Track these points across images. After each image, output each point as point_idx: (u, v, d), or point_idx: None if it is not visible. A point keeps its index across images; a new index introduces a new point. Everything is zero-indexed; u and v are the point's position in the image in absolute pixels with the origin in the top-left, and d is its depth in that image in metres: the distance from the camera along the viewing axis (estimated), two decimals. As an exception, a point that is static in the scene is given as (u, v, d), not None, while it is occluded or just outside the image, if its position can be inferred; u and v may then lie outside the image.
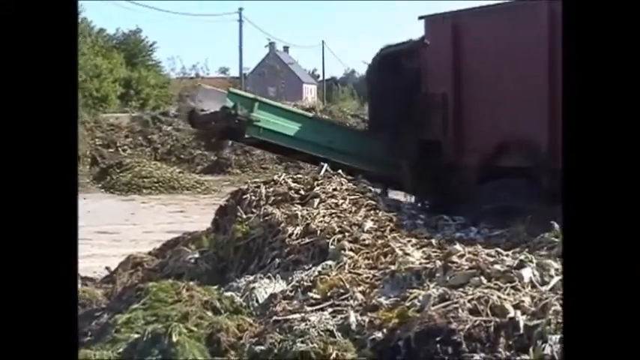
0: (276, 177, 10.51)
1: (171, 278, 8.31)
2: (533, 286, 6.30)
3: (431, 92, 11.74)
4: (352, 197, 9.61)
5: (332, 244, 8.10)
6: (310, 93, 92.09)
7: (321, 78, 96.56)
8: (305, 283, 7.28)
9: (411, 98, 11.89)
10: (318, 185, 9.86)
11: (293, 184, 10.01)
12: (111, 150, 34.10)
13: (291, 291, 7.23)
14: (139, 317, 6.82)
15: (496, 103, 10.81)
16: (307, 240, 8.39)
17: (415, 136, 11.84)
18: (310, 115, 15.13)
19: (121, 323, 6.80)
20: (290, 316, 6.48)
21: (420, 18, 11.98)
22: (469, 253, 7.11)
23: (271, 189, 9.93)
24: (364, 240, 8.17)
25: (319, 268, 7.62)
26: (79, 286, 9.61)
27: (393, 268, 7.25)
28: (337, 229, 8.42)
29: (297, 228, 8.64)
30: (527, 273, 6.44)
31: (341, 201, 9.46)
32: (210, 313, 6.85)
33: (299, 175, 10.64)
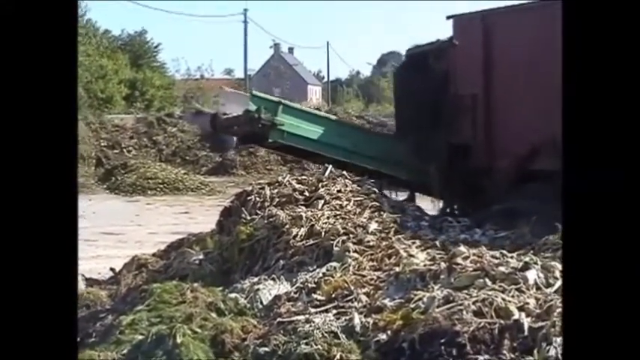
0: (280, 178, 10.49)
1: (176, 279, 8.31)
2: (538, 288, 6.29)
3: (460, 94, 11.49)
4: (356, 199, 9.60)
5: (336, 245, 8.10)
6: (315, 94, 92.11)
7: (325, 79, 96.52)
8: (309, 285, 7.28)
9: (439, 100, 11.62)
10: (322, 187, 9.84)
11: (297, 186, 9.99)
12: (116, 151, 34.18)
13: (295, 292, 7.23)
14: (143, 318, 6.83)
15: (529, 104, 10.48)
16: (311, 241, 8.39)
17: (444, 140, 11.54)
18: (334, 117, 14.78)
19: (125, 324, 6.80)
20: (294, 318, 6.48)
21: (449, 17, 11.74)
22: (473, 254, 7.09)
23: (275, 190, 9.92)
24: (368, 241, 8.17)
25: (323, 269, 7.61)
26: (84, 287, 9.63)
27: (397, 269, 7.25)
28: (341, 231, 8.42)
29: (302, 229, 8.64)
30: (531, 275, 6.43)
31: (345, 202, 9.45)
32: (214, 315, 6.85)
33: (303, 177, 10.61)
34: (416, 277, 6.93)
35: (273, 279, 7.70)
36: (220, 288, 7.78)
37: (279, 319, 6.55)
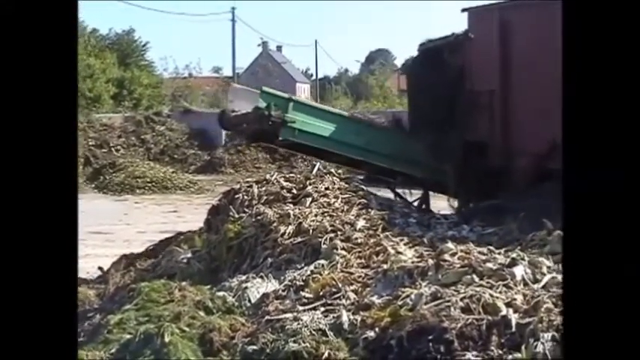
0: (268, 176, 10.48)
1: (164, 278, 8.32)
2: (526, 284, 6.30)
3: (476, 90, 11.15)
4: (344, 196, 9.60)
5: (324, 243, 8.10)
6: (303, 92, 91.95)
7: (314, 77, 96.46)
8: (297, 283, 7.28)
9: (454, 96, 11.31)
10: (310, 184, 9.85)
11: (285, 184, 9.99)
12: (104, 150, 34.09)
13: (283, 290, 7.22)
14: (131, 318, 6.82)
15: (548, 100, 9.56)
16: (299, 239, 8.39)
17: (459, 137, 11.20)
18: (347, 114, 14.26)
19: (113, 324, 6.79)
20: (282, 316, 6.48)
21: (464, 10, 11.42)
22: (461, 251, 7.10)
23: (263, 188, 9.92)
24: (356, 239, 8.17)
25: (311, 267, 7.61)
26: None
27: (385, 266, 7.25)
28: (329, 228, 8.42)
29: (290, 227, 8.64)
30: (519, 271, 6.44)
31: (333, 200, 9.45)
32: (202, 313, 6.85)
33: (291, 175, 10.60)
34: (404, 274, 6.93)
35: (261, 277, 7.70)
36: (208, 286, 7.79)
37: (267, 317, 6.55)
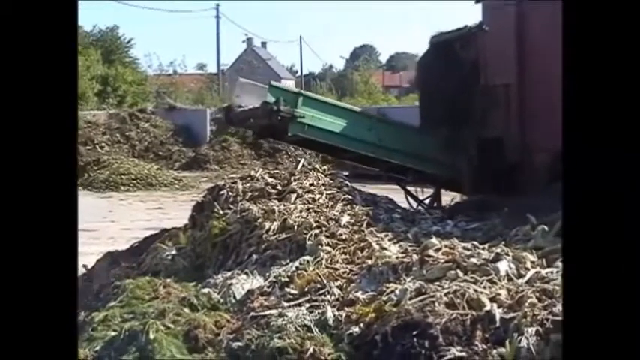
0: (252, 172, 10.46)
1: (149, 275, 8.29)
2: (510, 279, 6.32)
3: (491, 84, 10.88)
4: (329, 192, 9.59)
5: (309, 239, 8.10)
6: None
7: (299, 73, 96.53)
8: (282, 279, 7.28)
9: (468, 91, 11.00)
10: (294, 180, 9.84)
11: (270, 180, 9.98)
12: (88, 147, 34.03)
13: (268, 286, 7.22)
14: (116, 315, 6.81)
15: None
16: (284, 235, 8.39)
17: (473, 133, 10.93)
18: (358, 109, 13.66)
19: (97, 321, 6.78)
20: (267, 312, 6.49)
21: (478, 1, 11.15)
22: (445, 246, 7.12)
23: (248, 185, 9.90)
24: (341, 235, 8.18)
25: (296, 263, 7.61)
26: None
27: (369, 262, 7.27)
28: (314, 224, 8.42)
29: (274, 223, 8.63)
30: (503, 266, 6.46)
31: (318, 196, 9.45)
32: (187, 310, 6.84)
33: (276, 171, 10.58)
34: (388, 269, 6.94)
35: (246, 273, 7.69)
36: (193, 283, 7.78)
37: (252, 314, 6.55)
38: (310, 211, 8.96)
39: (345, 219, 8.68)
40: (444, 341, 5.39)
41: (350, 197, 9.57)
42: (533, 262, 6.64)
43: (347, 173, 12.43)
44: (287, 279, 7.25)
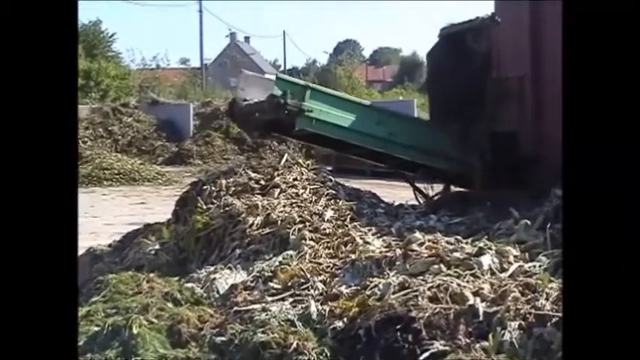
0: (235, 167, 10.44)
1: (132, 270, 8.27)
2: (493, 273, 6.34)
3: (504, 76, 10.67)
4: (313, 187, 9.58)
5: (292, 233, 8.11)
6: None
7: (282, 68, 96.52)
8: (266, 274, 7.28)
9: (480, 83, 10.55)
10: (278, 175, 9.82)
11: (253, 175, 9.96)
12: (71, 142, 33.84)
13: (251, 281, 7.22)
14: (98, 310, 6.78)
15: None
16: (268, 230, 8.39)
17: (485, 127, 10.54)
18: (368, 103, 13.01)
19: (80, 316, 6.74)
20: (251, 307, 6.49)
21: None
22: (429, 241, 7.13)
23: (231, 179, 9.88)
24: (325, 229, 8.19)
25: (280, 258, 7.61)
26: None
27: (353, 256, 7.28)
28: (298, 219, 8.43)
29: (258, 218, 8.63)
30: (486, 260, 6.48)
31: (301, 191, 9.44)
32: (170, 305, 6.83)
33: (259, 165, 10.54)
34: (372, 264, 6.95)
35: (230, 268, 7.69)
36: (176, 278, 7.77)
37: (235, 308, 6.55)
38: (294, 205, 8.96)
39: (329, 214, 8.69)
40: (427, 335, 5.41)
41: (333, 192, 9.55)
42: (516, 256, 6.67)
43: (330, 168, 12.32)
44: (270, 274, 7.25)
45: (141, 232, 10.72)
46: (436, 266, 6.45)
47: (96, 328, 6.44)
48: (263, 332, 5.88)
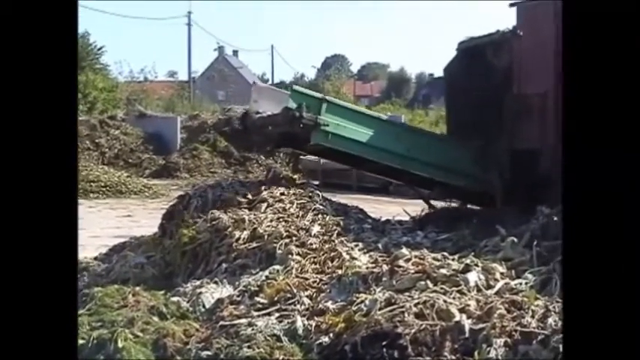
0: (222, 181, 10.42)
1: (118, 283, 8.24)
2: (479, 290, 6.35)
3: (525, 92, 10.24)
4: (300, 201, 9.57)
5: (279, 248, 8.11)
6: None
7: (270, 82, 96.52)
8: (252, 288, 7.27)
9: (500, 99, 10.32)
10: (265, 189, 9.81)
11: (240, 189, 9.95)
12: (57, 154, 33.75)
13: (238, 296, 7.21)
14: (84, 323, 6.75)
15: None
16: (254, 244, 8.39)
17: (506, 144, 10.31)
18: (385, 117, 13.05)
19: (65, 329, 6.73)
20: (237, 321, 6.48)
21: (512, 5, 10.48)
22: (415, 257, 7.14)
23: (218, 193, 9.87)
24: (311, 244, 8.19)
25: (266, 272, 7.61)
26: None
27: (339, 272, 7.28)
28: (284, 234, 8.42)
29: (245, 232, 8.63)
30: (472, 277, 6.49)
31: (288, 205, 9.43)
32: (156, 319, 6.81)
33: (247, 179, 10.53)
34: (358, 279, 6.96)
35: (216, 282, 7.68)
36: (162, 292, 7.75)
37: (221, 323, 6.54)
38: (281, 220, 8.96)
39: (316, 229, 8.69)
40: (414, 352, 5.41)
41: (321, 207, 9.53)
42: (502, 273, 6.68)
43: (317, 182, 12.26)
44: (257, 288, 7.24)
45: (127, 245, 10.71)
46: (422, 282, 6.46)
47: (81, 341, 6.40)
48: (249, 347, 5.87)
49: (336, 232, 8.75)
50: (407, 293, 6.30)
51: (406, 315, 5.81)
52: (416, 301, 6.04)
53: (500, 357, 5.26)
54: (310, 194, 9.95)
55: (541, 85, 9.91)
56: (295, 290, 6.98)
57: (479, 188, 10.77)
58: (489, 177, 10.51)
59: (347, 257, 7.72)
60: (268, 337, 6.05)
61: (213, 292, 7.43)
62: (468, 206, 10.21)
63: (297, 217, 9.14)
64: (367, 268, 7.26)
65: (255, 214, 9.09)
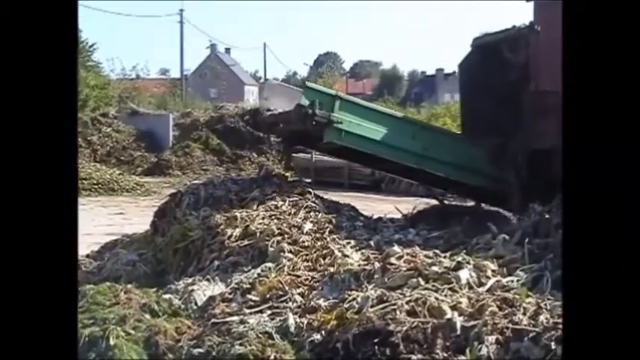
0: (215, 179, 10.41)
1: (109, 281, 8.23)
2: (470, 288, 6.35)
3: (543, 90, 9.91)
4: (292, 199, 9.57)
5: (271, 246, 8.10)
6: (252, 94, 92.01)
7: (262, 80, 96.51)
8: (244, 286, 7.27)
9: (517, 97, 10.16)
10: (257, 187, 9.81)
11: (232, 186, 9.95)
12: (49, 151, 33.67)
13: (229, 293, 7.21)
14: (76, 320, 6.75)
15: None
16: (246, 242, 8.38)
17: (523, 144, 10.17)
18: (400, 115, 12.40)
19: (57, 327, 6.71)
20: (228, 319, 6.48)
21: (529, 0, 10.37)
22: (407, 254, 7.14)
23: (210, 191, 9.86)
24: (303, 242, 8.19)
25: (258, 270, 7.61)
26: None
27: (331, 269, 7.29)
28: (276, 231, 8.42)
29: (236, 230, 8.62)
30: (464, 274, 6.49)
31: (280, 203, 9.43)
32: (148, 316, 6.80)
33: (239, 177, 10.53)
34: (350, 277, 6.96)
35: (208, 280, 7.68)
36: (154, 289, 7.73)
37: (213, 320, 6.54)
38: (273, 217, 8.96)
39: (308, 226, 8.68)
40: (405, 349, 5.41)
41: (313, 204, 9.53)
42: (494, 270, 6.68)
43: (309, 180, 12.23)
44: (249, 286, 7.24)
45: (119, 242, 10.70)
46: (414, 280, 6.46)
47: (73, 339, 6.41)
48: (241, 344, 5.87)
49: (328, 229, 8.75)
50: (399, 291, 6.29)
51: (398, 312, 5.81)
52: (408, 298, 6.03)
53: (491, 354, 5.26)
54: (302, 192, 9.96)
55: (560, 82, 9.71)
56: (287, 288, 6.98)
57: (495, 188, 10.62)
58: (506, 176, 10.37)
59: (339, 255, 7.72)
60: (260, 335, 6.04)
61: (205, 290, 7.42)
62: (459, 204, 10.18)
63: (289, 214, 9.14)
64: (359, 265, 7.26)
65: (247, 212, 9.09)
